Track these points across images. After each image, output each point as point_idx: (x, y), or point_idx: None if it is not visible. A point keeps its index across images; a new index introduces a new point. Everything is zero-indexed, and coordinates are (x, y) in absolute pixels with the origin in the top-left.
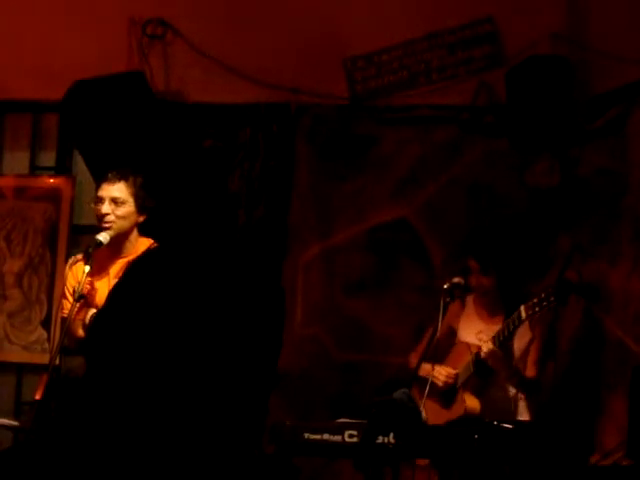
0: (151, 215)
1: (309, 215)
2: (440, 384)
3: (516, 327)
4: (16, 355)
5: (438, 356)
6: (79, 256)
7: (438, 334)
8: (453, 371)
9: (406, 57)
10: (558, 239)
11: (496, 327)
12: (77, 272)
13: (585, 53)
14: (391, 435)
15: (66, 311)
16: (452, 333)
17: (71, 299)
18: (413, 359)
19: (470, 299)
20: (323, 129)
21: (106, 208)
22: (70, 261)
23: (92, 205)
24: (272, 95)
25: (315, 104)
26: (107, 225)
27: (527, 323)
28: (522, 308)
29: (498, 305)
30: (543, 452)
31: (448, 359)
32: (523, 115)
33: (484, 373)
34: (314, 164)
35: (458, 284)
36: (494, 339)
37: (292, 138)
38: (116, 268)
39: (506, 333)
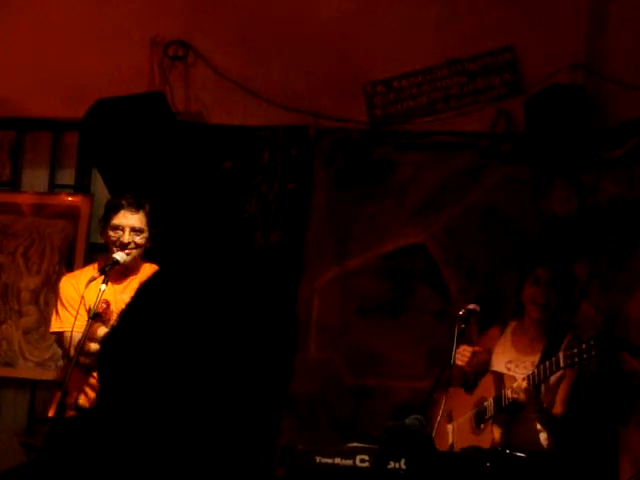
0: (156, 240)
1: (326, 239)
2: (463, 363)
3: (553, 373)
4: (30, 371)
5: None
6: (96, 274)
7: (477, 358)
8: (471, 349)
9: (426, 83)
10: (576, 268)
11: (529, 358)
12: (93, 290)
13: (603, 83)
14: (402, 461)
15: (67, 325)
16: (488, 357)
17: (73, 312)
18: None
19: (510, 327)
20: (342, 153)
21: (128, 237)
22: (70, 276)
23: (109, 230)
24: (291, 118)
25: (334, 128)
26: (127, 252)
27: None
28: (561, 356)
29: (538, 335)
30: None
31: (477, 389)
32: (542, 143)
33: (514, 409)
34: (332, 188)
35: (473, 311)
36: (529, 378)
37: (310, 161)
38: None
39: (542, 377)
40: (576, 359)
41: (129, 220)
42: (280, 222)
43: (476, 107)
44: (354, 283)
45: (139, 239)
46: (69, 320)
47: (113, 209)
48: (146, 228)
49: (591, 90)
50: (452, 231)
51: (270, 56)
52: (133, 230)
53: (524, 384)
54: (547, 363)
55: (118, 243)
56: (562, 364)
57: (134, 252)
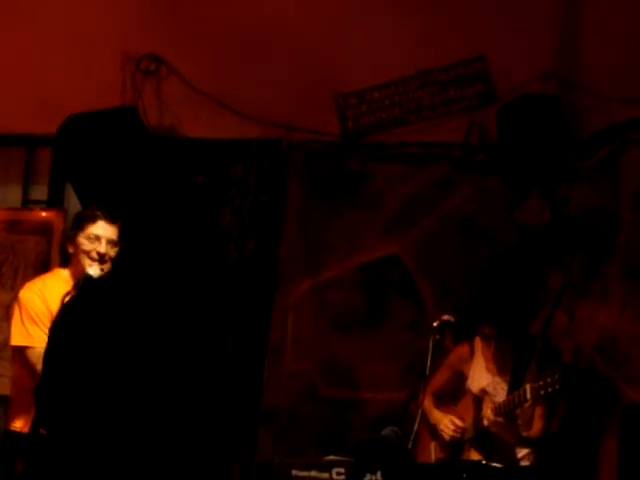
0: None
1: (300, 251)
2: (447, 438)
3: (520, 404)
4: (4, 388)
5: (446, 400)
6: (70, 290)
7: (444, 379)
8: (460, 424)
9: (398, 95)
10: (549, 278)
11: (503, 379)
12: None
13: (575, 92)
14: (379, 473)
15: (38, 341)
16: (460, 378)
17: (43, 327)
18: (426, 402)
19: (478, 347)
20: (314, 165)
21: (105, 247)
22: (35, 288)
23: (82, 240)
24: (264, 131)
25: (306, 141)
26: (102, 265)
27: None
28: (528, 388)
29: (506, 355)
30: None
31: (457, 408)
32: (514, 153)
33: (488, 435)
34: (305, 200)
35: (448, 322)
36: (497, 409)
37: (283, 174)
38: None
39: (509, 408)
40: (542, 392)
41: (106, 231)
42: (254, 235)
43: (448, 118)
44: (329, 295)
45: (113, 252)
46: (39, 335)
47: (90, 219)
48: (118, 242)
49: (563, 99)
50: (426, 242)
51: (242, 69)
52: (109, 242)
53: (491, 416)
54: (515, 394)
55: (94, 253)
56: (528, 396)
57: (106, 266)
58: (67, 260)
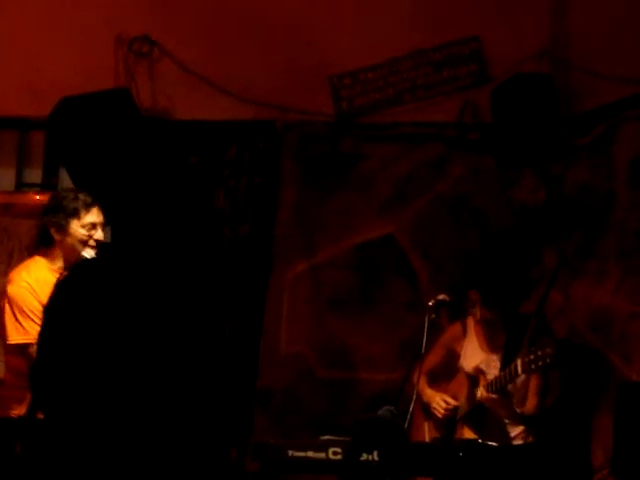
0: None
1: (295, 232)
2: (440, 416)
3: (512, 380)
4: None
5: (439, 379)
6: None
7: (437, 358)
8: (452, 402)
9: (392, 75)
10: (544, 256)
11: (496, 357)
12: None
13: (569, 71)
14: (375, 453)
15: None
16: (453, 357)
17: (37, 320)
18: (421, 384)
19: (471, 326)
20: (309, 146)
21: (101, 234)
22: (22, 282)
23: (77, 228)
24: (258, 113)
25: (301, 121)
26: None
27: None
28: (519, 363)
29: (499, 333)
30: (533, 473)
31: (450, 386)
32: (508, 132)
33: (481, 413)
34: (300, 181)
35: (443, 301)
36: (489, 386)
37: (278, 155)
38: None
39: (502, 384)
40: (533, 366)
41: (99, 217)
42: (249, 216)
43: (442, 98)
44: (324, 276)
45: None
46: (35, 329)
47: (85, 206)
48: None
49: (557, 78)
50: (421, 222)
51: (235, 50)
52: (100, 227)
53: (485, 393)
54: (506, 371)
55: (92, 242)
56: (520, 370)
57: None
58: (49, 246)
